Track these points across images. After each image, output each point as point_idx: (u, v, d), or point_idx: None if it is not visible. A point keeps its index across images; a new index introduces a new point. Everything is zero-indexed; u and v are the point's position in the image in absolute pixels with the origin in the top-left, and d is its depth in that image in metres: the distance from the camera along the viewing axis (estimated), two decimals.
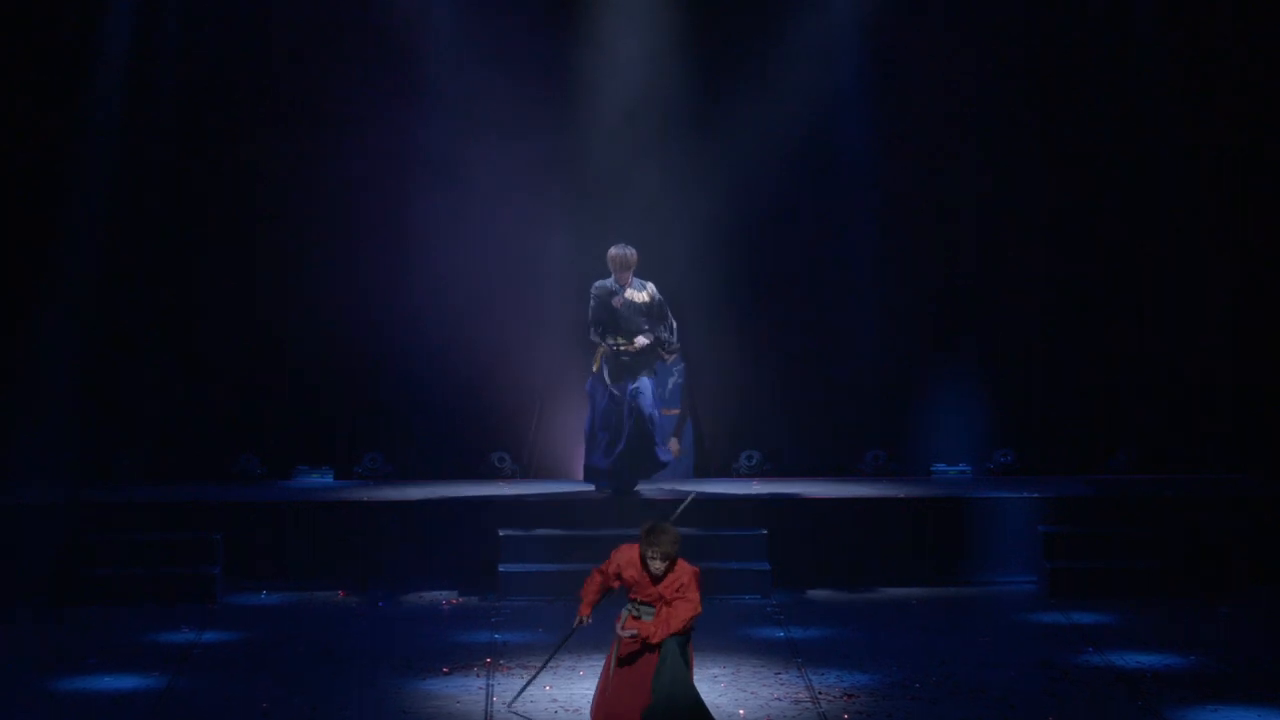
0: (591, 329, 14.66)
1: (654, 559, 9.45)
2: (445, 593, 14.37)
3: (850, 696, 11.09)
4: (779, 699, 11.03)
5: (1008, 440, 16.73)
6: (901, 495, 15.17)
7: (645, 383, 14.66)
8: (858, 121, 16.78)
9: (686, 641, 9.55)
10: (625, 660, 9.50)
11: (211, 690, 11.31)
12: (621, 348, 14.58)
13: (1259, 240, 16.73)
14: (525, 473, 16.65)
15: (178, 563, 14.21)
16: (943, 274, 16.91)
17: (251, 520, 14.70)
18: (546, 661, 10.99)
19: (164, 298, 16.49)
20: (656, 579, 9.50)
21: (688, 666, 9.51)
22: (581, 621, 9.90)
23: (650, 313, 14.61)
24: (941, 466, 16.60)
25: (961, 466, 16.59)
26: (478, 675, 11.58)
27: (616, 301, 14.53)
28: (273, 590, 14.43)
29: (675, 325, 14.73)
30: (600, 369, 14.64)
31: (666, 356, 14.89)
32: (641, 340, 14.56)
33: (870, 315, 16.80)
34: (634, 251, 14.57)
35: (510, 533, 14.50)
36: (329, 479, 16.36)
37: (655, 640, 9.43)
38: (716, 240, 16.57)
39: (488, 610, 13.75)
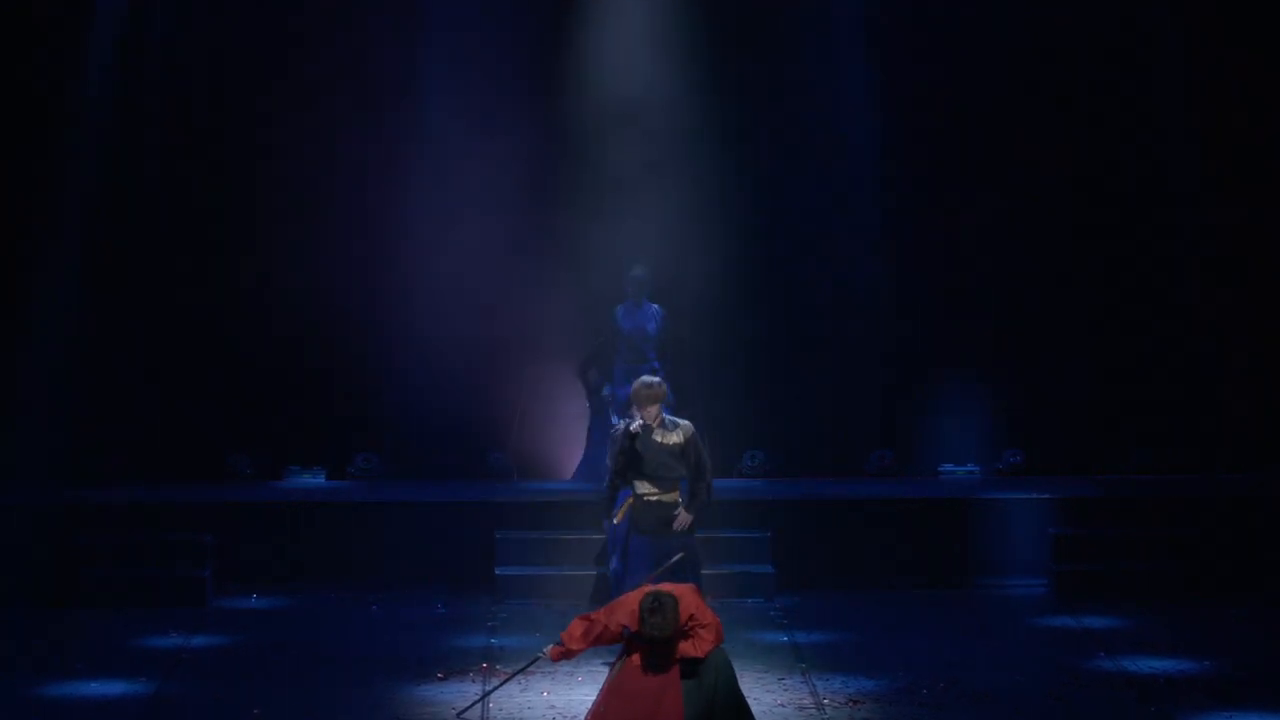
0: (611, 476, 12.24)
1: (654, 632, 9.03)
2: (440, 595, 14.26)
3: (856, 702, 11.00)
4: (783, 705, 10.92)
5: (1016, 441, 16.61)
6: (908, 496, 15.09)
7: (685, 544, 12.13)
8: (864, 120, 16.71)
9: (727, 660, 9.22)
10: (632, 686, 9.07)
11: (201, 696, 11.24)
12: (652, 498, 12.14)
13: (1267, 240, 16.60)
14: (513, 473, 16.42)
15: (167, 565, 14.16)
16: (951, 273, 16.80)
17: (242, 522, 14.63)
18: (499, 685, 10.77)
19: (153, 296, 16.39)
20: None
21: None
22: (546, 656, 9.44)
23: (685, 457, 12.14)
24: (949, 467, 16.49)
25: (969, 467, 16.49)
26: (474, 680, 11.49)
27: (640, 446, 12.11)
28: (264, 594, 14.36)
29: (710, 470, 12.26)
30: (624, 519, 12.36)
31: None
32: (682, 512, 12.12)
33: (877, 314, 16.73)
34: (661, 386, 12.23)
35: (507, 534, 14.37)
36: (321, 479, 16.23)
37: (702, 655, 9.07)
38: (720, 238, 16.46)
39: (484, 614, 13.67)
